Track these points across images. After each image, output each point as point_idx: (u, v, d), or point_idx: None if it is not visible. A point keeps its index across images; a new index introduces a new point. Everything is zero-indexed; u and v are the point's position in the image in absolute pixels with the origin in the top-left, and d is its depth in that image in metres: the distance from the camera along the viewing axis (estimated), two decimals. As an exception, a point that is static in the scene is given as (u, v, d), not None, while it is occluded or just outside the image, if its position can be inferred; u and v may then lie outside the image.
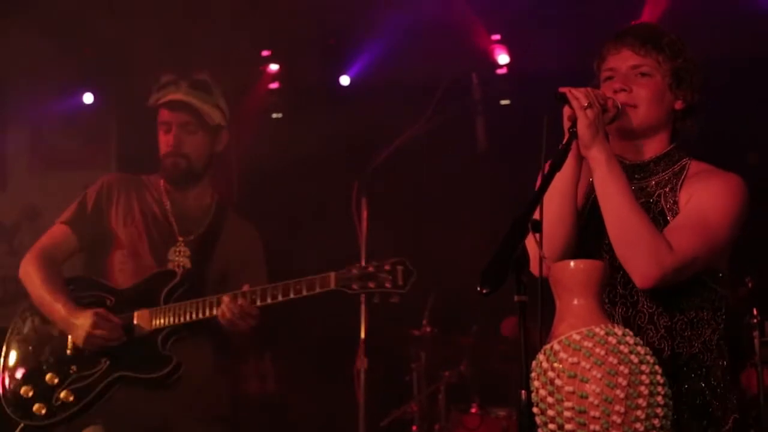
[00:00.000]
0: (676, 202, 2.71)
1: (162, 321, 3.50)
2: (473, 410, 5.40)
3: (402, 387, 5.60)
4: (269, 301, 3.43)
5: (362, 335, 4.70)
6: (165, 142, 3.78)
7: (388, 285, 3.38)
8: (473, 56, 6.53)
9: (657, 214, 2.70)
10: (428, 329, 5.54)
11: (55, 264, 3.66)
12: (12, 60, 5.90)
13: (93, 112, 6.90)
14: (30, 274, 3.62)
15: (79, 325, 3.45)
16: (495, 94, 6.44)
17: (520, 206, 2.40)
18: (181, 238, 3.71)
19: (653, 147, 2.80)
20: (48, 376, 3.48)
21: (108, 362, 3.47)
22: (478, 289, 2.20)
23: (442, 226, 5.95)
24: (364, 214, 4.66)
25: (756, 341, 4.71)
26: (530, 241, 2.32)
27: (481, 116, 6.05)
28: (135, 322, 3.51)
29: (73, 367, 3.49)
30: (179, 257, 3.67)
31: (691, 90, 2.81)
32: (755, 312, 4.71)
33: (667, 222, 2.68)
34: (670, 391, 2.36)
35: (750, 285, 4.79)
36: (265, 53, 7.08)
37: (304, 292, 3.43)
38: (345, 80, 6.97)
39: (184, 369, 3.47)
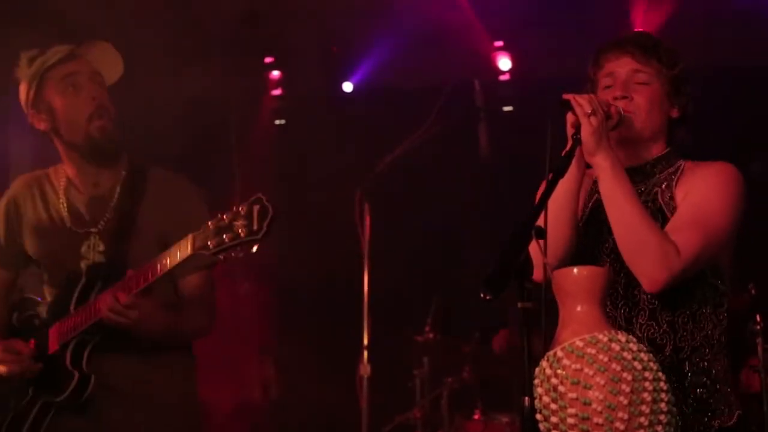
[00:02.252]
0: (672, 198, 2.73)
1: (66, 335, 3.11)
2: (476, 416, 5.40)
3: (405, 393, 5.60)
4: (142, 283, 2.95)
5: (365, 341, 4.72)
6: (80, 100, 3.20)
7: (242, 233, 2.73)
8: (475, 63, 6.54)
9: (655, 212, 2.72)
10: (431, 335, 5.53)
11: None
12: (15, 65, 5.91)
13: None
14: None
15: None
16: (497, 101, 6.44)
17: (523, 213, 2.41)
18: (93, 230, 3.24)
19: (652, 151, 2.82)
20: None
21: (33, 389, 3.17)
22: (481, 295, 2.21)
23: (444, 233, 5.96)
24: (367, 221, 4.67)
25: (759, 348, 4.70)
26: (534, 248, 2.33)
27: (483, 123, 6.07)
28: (49, 341, 3.15)
29: (11, 402, 3.21)
30: (91, 253, 3.24)
31: (686, 99, 2.84)
32: (758, 319, 4.71)
33: (665, 218, 2.70)
34: (674, 397, 2.37)
35: (753, 292, 4.80)
36: (267, 60, 7.11)
37: (168, 265, 2.91)
38: (348, 87, 6.99)
39: (103, 383, 3.11)
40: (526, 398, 2.33)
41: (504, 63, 6.62)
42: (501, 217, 3.58)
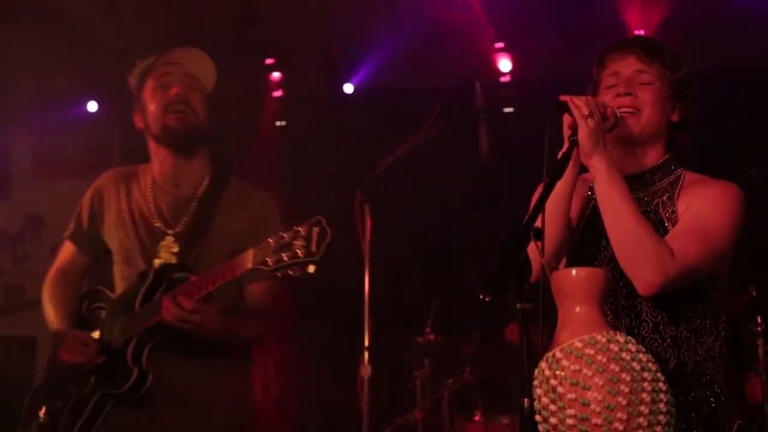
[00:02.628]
0: (674, 211, 2.73)
1: (130, 331, 3.23)
2: (477, 418, 5.40)
3: (405, 394, 5.60)
4: (197, 296, 3.06)
5: (365, 342, 4.72)
6: (163, 97, 3.37)
7: (300, 254, 2.84)
8: (476, 64, 6.54)
9: (656, 224, 2.72)
10: (431, 336, 5.53)
11: (68, 285, 3.50)
12: (16, 67, 5.92)
13: (97, 120, 6.94)
14: (44, 300, 3.51)
15: (58, 347, 3.32)
16: (498, 102, 6.44)
17: (523, 213, 2.42)
18: (170, 231, 3.38)
19: (650, 157, 2.82)
20: (58, 401, 3.34)
21: (94, 381, 3.28)
22: (481, 296, 2.21)
23: (445, 234, 5.96)
24: (368, 222, 4.67)
25: (760, 349, 4.71)
26: (531, 249, 2.33)
27: (483, 124, 6.07)
28: (114, 333, 3.28)
29: (72, 389, 3.33)
30: (166, 253, 3.35)
31: (688, 103, 2.85)
32: (759, 320, 4.71)
33: (666, 231, 2.70)
34: (673, 398, 2.37)
35: (754, 293, 4.80)
36: (268, 61, 7.12)
37: (229, 276, 3.03)
38: (348, 88, 6.99)
39: (162, 381, 3.21)
40: (526, 399, 2.34)
41: (504, 64, 6.62)
42: (501, 218, 3.58)
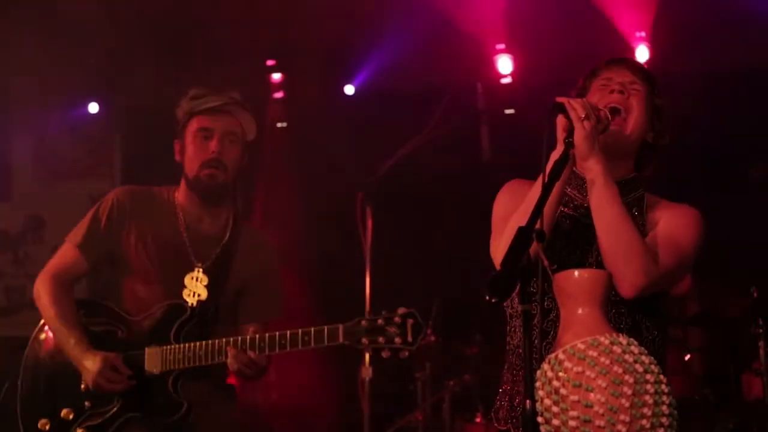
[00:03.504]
0: (644, 225, 2.80)
1: (172, 364, 3.41)
2: (478, 420, 5.40)
3: (407, 396, 5.61)
4: (277, 350, 3.33)
5: (367, 344, 4.72)
6: (204, 149, 3.56)
7: (398, 341, 3.24)
8: (477, 65, 6.55)
9: None
10: (432, 338, 5.54)
11: (66, 288, 3.55)
12: (17, 69, 5.92)
13: (98, 121, 6.92)
14: (43, 299, 3.52)
15: (88, 368, 3.37)
16: (499, 104, 6.44)
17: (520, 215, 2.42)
18: (198, 265, 3.58)
19: (621, 170, 2.86)
20: (64, 412, 3.42)
21: (120, 402, 3.40)
22: (487, 298, 2.22)
23: (446, 236, 5.96)
24: (369, 224, 4.68)
25: (761, 351, 4.73)
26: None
27: (485, 125, 6.07)
28: (146, 362, 3.43)
29: (87, 403, 3.42)
30: (196, 286, 3.55)
31: (664, 129, 2.93)
32: (760, 322, 4.73)
33: None
34: (675, 400, 2.37)
35: (756, 295, 4.82)
36: (269, 63, 7.13)
37: (312, 344, 3.30)
38: (350, 89, 7.00)
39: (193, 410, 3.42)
40: (528, 401, 2.35)
41: (505, 66, 6.63)
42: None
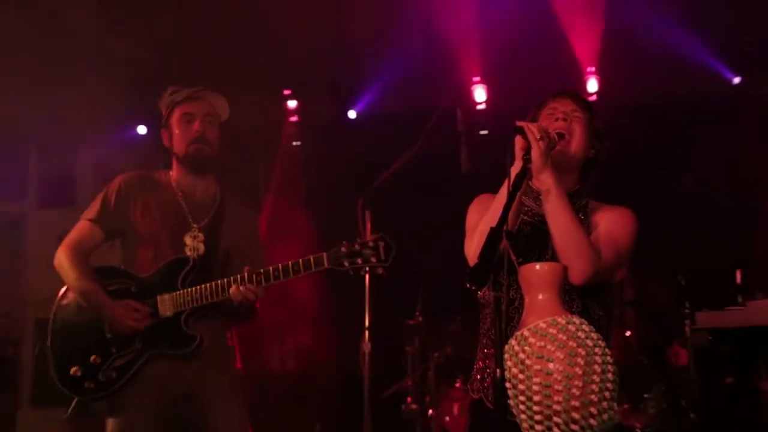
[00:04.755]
0: (589, 226, 2.81)
1: (182, 305, 3.37)
2: (457, 385, 5.41)
3: (399, 366, 5.60)
4: (272, 281, 3.27)
5: (366, 323, 4.73)
6: (188, 130, 3.56)
7: (373, 260, 3.18)
8: (457, 94, 6.56)
9: None
10: (420, 319, 5.54)
11: (85, 256, 3.49)
12: (79, 97, 5.93)
13: (145, 141, 6.94)
14: (65, 265, 3.45)
15: (113, 314, 3.34)
16: (476, 126, 6.44)
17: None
18: (195, 225, 3.52)
19: (568, 182, 2.86)
20: (92, 358, 3.36)
21: (141, 343, 3.36)
22: (467, 285, 2.24)
23: (432, 234, 5.95)
24: (368, 226, 4.67)
25: (687, 328, 4.74)
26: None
27: (464, 144, 6.06)
28: (159, 307, 3.39)
29: (113, 349, 3.37)
30: (195, 242, 3.50)
31: (603, 147, 2.94)
32: (687, 304, 4.74)
33: None
34: (617, 369, 2.38)
35: (683, 282, 4.83)
36: (286, 92, 7.13)
37: (302, 272, 3.23)
38: (352, 114, 7.00)
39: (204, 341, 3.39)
40: (498, 370, 2.36)
41: (480, 95, 6.64)
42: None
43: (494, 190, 2.80)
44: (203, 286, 3.34)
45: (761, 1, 5.54)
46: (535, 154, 2.64)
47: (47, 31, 5.56)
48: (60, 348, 3.44)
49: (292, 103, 7.17)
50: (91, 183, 7.01)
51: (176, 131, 3.58)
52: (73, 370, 3.37)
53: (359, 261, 3.18)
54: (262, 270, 3.28)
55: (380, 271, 3.20)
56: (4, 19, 5.42)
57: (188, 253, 3.46)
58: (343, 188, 5.81)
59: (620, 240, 2.79)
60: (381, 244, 3.20)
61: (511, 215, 2.65)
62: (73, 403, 3.40)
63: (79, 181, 7.16)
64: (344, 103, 6.98)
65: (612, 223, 2.81)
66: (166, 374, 3.36)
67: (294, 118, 7.20)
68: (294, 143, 7.22)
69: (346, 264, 3.19)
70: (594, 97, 6.23)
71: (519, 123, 2.68)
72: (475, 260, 2.37)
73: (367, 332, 4.73)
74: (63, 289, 3.50)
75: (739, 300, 4.25)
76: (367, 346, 4.70)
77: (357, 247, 3.20)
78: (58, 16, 5.37)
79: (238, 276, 3.29)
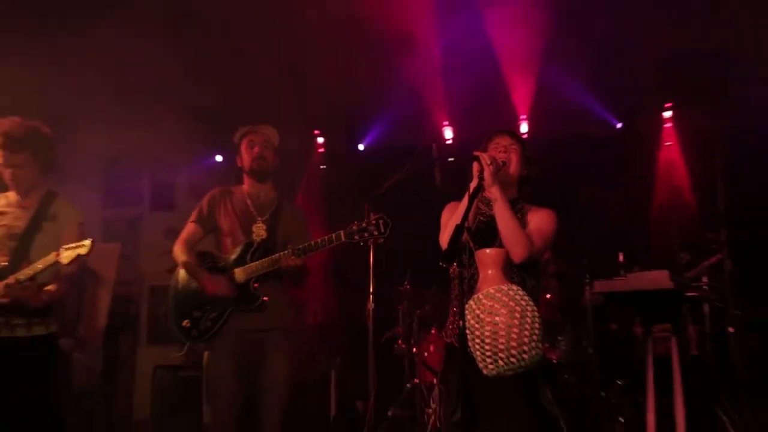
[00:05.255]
0: (525, 223, 2.81)
1: (250, 274, 3.34)
2: (433, 331, 5.39)
3: (393, 319, 5.60)
4: (308, 253, 3.23)
5: (371, 289, 4.74)
6: (252, 152, 3.53)
7: (376, 233, 3.14)
8: (433, 133, 6.59)
9: None
10: (408, 287, 5.53)
11: (189, 246, 3.50)
12: (176, 135, 5.91)
13: (222, 166, 6.89)
14: (177, 253, 3.48)
15: (208, 283, 3.34)
16: (446, 154, 6.46)
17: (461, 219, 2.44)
18: (259, 218, 3.47)
19: (510, 193, 2.88)
20: (195, 314, 3.37)
21: (225, 302, 3.35)
22: (441, 263, 2.28)
23: (419, 232, 5.94)
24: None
25: (587, 290, 4.74)
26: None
27: (438, 168, 6.07)
28: (235, 276, 3.37)
29: (208, 307, 3.36)
30: (259, 230, 3.45)
31: (533, 168, 2.95)
32: (587, 276, 4.76)
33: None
34: (542, 321, 2.40)
35: (585, 261, 4.84)
36: (316, 132, 7.14)
37: (327, 245, 3.20)
38: (361, 147, 7.01)
39: (267, 299, 3.36)
40: (461, 321, 2.39)
41: (449, 134, 6.67)
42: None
43: (460, 199, 2.83)
44: (264, 259, 3.33)
45: (640, 68, 5.60)
46: (487, 174, 2.68)
47: (139, 86, 5.45)
48: (175, 307, 3.45)
49: (320, 139, 7.16)
50: (185, 194, 6.98)
51: (244, 154, 3.58)
52: (184, 322, 3.38)
53: (366, 235, 3.14)
54: (301, 246, 3.25)
55: (381, 240, 3.16)
56: (122, 81, 5.39)
57: (255, 239, 3.44)
58: (353, 197, 5.81)
59: (546, 231, 2.79)
60: (381, 221, 3.17)
61: (471, 216, 2.68)
62: (186, 346, 3.40)
63: (178, 192, 7.15)
64: (355, 138, 6.96)
65: (540, 220, 2.81)
66: (241, 324, 3.35)
67: (321, 149, 7.18)
68: (321, 167, 7.19)
69: (357, 237, 3.16)
70: (526, 135, 6.25)
71: (476, 153, 2.72)
72: (446, 247, 2.40)
73: (371, 295, 4.74)
74: (177, 268, 3.52)
75: (622, 273, 4.26)
76: (371, 305, 4.71)
77: (364, 224, 3.17)
78: (157, 79, 5.28)
79: (286, 251, 3.28)
